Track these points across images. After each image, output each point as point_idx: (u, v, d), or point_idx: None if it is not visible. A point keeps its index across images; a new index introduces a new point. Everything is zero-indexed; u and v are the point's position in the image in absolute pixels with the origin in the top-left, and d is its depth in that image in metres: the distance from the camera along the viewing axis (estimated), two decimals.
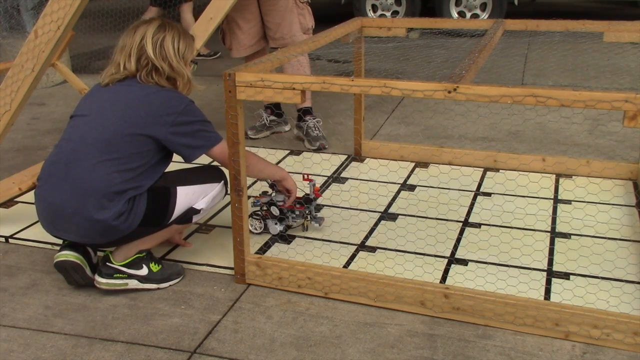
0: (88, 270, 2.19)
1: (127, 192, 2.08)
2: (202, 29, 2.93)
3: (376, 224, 2.65)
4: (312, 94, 3.71)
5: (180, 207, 2.20)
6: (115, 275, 2.17)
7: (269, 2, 3.55)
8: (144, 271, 2.20)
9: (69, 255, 2.15)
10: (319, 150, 3.57)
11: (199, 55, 6.03)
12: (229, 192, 2.19)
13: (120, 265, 2.18)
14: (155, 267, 2.23)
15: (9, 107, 2.63)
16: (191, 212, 2.24)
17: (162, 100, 2.14)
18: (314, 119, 3.69)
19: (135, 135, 2.10)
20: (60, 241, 2.23)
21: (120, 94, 2.17)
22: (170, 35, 2.21)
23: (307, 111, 3.71)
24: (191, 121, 2.15)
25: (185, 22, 6.27)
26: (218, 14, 2.89)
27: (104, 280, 2.17)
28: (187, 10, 6.38)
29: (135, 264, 2.19)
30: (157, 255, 2.38)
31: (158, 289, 2.23)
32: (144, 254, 2.22)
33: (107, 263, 2.18)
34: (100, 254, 2.30)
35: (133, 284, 2.19)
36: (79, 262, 2.16)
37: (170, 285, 2.24)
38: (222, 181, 2.34)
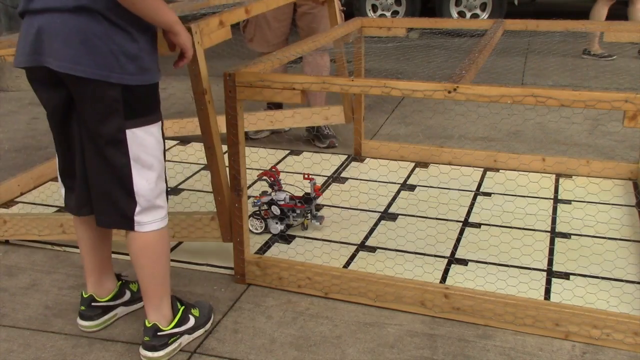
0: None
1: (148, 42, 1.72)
2: None
3: (376, 224, 2.65)
4: None
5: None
6: (169, 342, 1.91)
7: (306, 7, 3.52)
8: (191, 322, 1.98)
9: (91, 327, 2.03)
10: (329, 147, 3.59)
11: (589, 54, 5.65)
12: None
13: (172, 328, 1.92)
14: (196, 312, 2.01)
15: None
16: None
17: None
18: None
19: None
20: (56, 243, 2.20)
21: None
22: None
23: None
24: None
25: (635, 11, 5.61)
26: None
27: (162, 353, 1.89)
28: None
29: (183, 319, 1.96)
30: None
31: (205, 331, 2.02)
32: (183, 305, 1.99)
33: (158, 333, 1.89)
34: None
35: (184, 339, 1.96)
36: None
37: (211, 323, 2.06)
38: None
